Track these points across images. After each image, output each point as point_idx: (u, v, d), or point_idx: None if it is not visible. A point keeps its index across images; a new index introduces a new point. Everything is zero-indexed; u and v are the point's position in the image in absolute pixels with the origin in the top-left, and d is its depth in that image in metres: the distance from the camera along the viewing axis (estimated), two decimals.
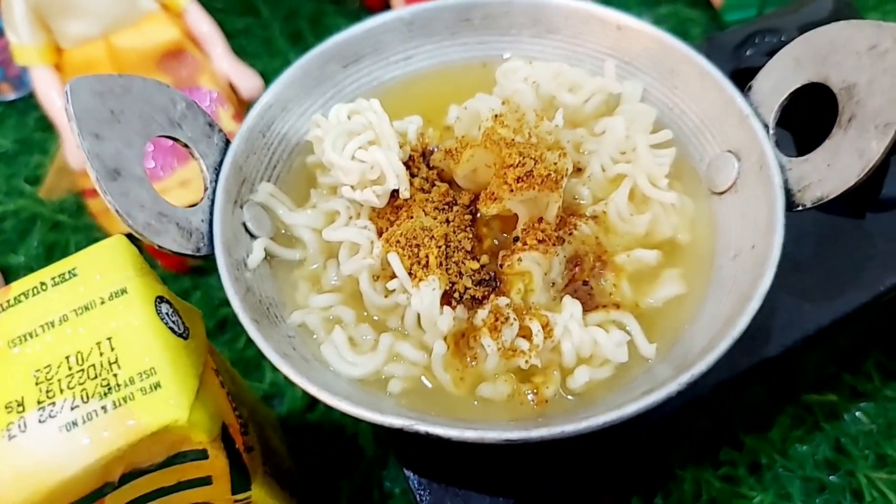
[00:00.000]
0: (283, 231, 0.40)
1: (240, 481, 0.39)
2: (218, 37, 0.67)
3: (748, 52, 0.48)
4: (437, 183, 0.40)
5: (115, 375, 0.32)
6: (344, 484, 0.54)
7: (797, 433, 0.54)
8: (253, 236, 0.38)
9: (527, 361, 0.34)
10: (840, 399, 0.55)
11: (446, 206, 0.39)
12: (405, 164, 0.39)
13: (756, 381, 0.41)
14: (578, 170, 0.40)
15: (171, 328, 0.34)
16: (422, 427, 0.30)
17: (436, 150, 0.41)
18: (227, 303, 0.35)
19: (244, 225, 0.38)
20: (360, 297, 0.37)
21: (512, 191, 0.36)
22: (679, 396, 0.30)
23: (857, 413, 0.54)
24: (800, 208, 0.35)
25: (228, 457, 0.36)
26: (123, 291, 0.34)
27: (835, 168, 0.33)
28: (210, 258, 0.36)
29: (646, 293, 0.37)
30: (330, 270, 0.39)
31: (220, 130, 0.39)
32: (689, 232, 0.39)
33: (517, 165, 0.36)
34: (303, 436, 0.57)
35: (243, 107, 0.71)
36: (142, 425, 0.31)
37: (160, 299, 0.35)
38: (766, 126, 0.37)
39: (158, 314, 0.34)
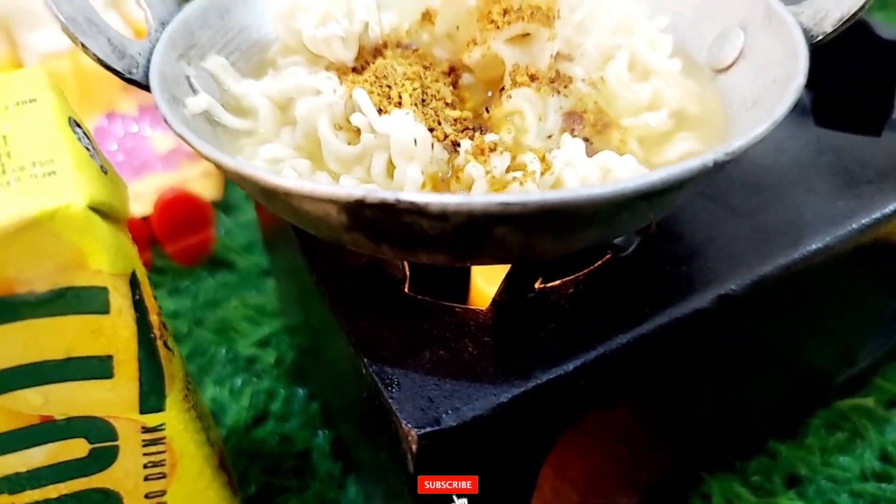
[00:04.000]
0: (233, 103, 0.35)
1: (151, 387, 0.30)
2: None
3: None
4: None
5: (2, 166, 0.25)
6: None
7: (835, 440, 0.46)
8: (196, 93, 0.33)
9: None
10: (877, 404, 0.48)
11: (423, 70, 0.34)
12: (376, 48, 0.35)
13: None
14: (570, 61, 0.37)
15: (86, 148, 0.28)
16: (389, 196, 0.23)
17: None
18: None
19: (187, 79, 0.33)
20: (318, 154, 0.31)
21: (497, 27, 0.32)
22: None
23: None
24: (820, 38, 0.31)
25: (138, 327, 0.28)
26: (32, 101, 0.28)
27: None
28: (142, 86, 0.30)
29: (657, 153, 0.32)
30: (284, 135, 0.33)
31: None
32: (698, 105, 0.34)
33: (504, 3, 0.32)
34: (247, 454, 0.46)
35: None
36: (24, 209, 0.24)
37: (75, 122, 0.29)
38: None
39: (71, 127, 0.28)
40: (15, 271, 0.24)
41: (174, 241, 0.58)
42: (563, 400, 0.30)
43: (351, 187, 0.23)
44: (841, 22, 0.30)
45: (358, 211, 0.24)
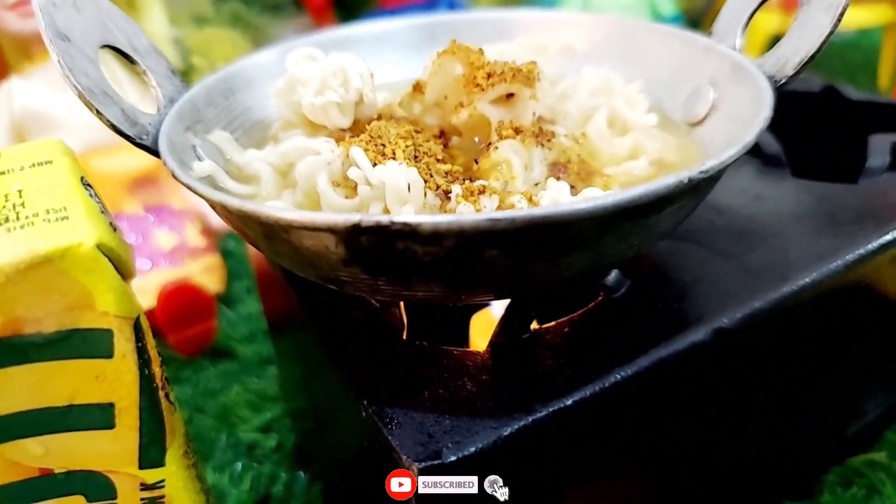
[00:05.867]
0: (236, 171, 0.37)
1: (152, 438, 0.30)
2: None
3: None
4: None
5: (17, 214, 0.27)
6: None
7: (852, 496, 0.45)
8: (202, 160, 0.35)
9: None
10: (891, 459, 0.47)
11: (414, 132, 0.36)
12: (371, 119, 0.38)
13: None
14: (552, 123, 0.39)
15: (97, 204, 0.29)
16: (384, 219, 0.24)
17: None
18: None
19: (193, 148, 0.35)
20: (318, 210, 0.33)
21: (483, 89, 0.34)
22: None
23: None
24: (784, 81, 0.33)
25: (140, 373, 0.28)
26: (48, 162, 0.30)
27: (807, 34, 0.33)
28: (151, 151, 0.32)
29: None
30: (285, 197, 0.34)
31: (182, 79, 0.38)
32: (678, 154, 0.36)
33: (488, 68, 0.35)
34: None
35: (213, 237, 0.70)
36: (36, 247, 0.25)
37: (87, 183, 0.31)
38: (731, 48, 0.37)
39: (83, 185, 0.30)
40: (24, 310, 0.25)
41: (177, 332, 0.58)
42: (563, 437, 0.29)
43: (347, 214, 0.24)
44: (801, 65, 0.33)
45: (354, 239, 0.25)
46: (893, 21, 0.97)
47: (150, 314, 0.59)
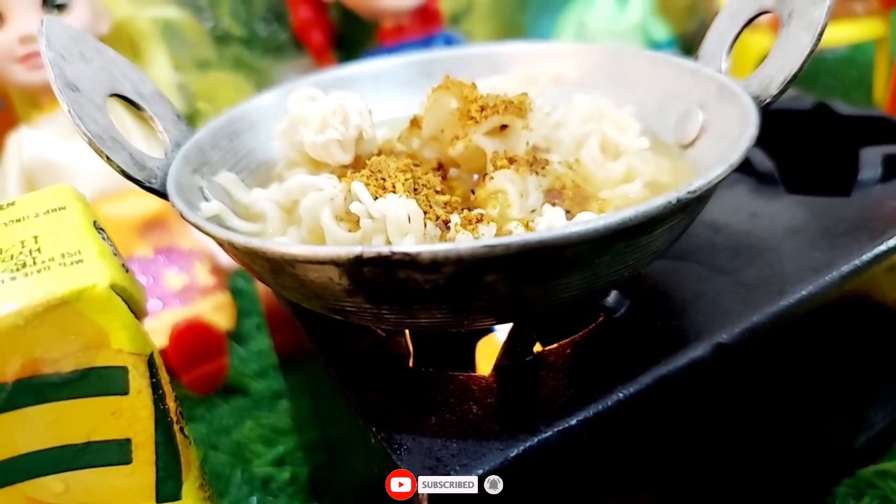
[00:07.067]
0: (243, 211, 0.38)
1: (168, 472, 0.30)
2: None
3: None
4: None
5: (33, 259, 0.28)
6: None
7: None
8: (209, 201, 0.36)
9: None
10: None
11: (414, 166, 0.37)
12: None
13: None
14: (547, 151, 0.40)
15: (110, 247, 0.31)
16: (385, 249, 0.25)
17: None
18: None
19: (200, 189, 0.36)
20: (322, 243, 0.34)
21: (477, 122, 0.35)
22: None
23: None
24: (769, 100, 0.34)
25: (155, 408, 0.29)
26: (61, 209, 0.31)
27: (789, 53, 0.34)
28: (160, 193, 0.33)
29: None
30: (290, 233, 0.35)
31: (188, 124, 0.40)
32: (671, 175, 0.37)
33: (481, 101, 0.36)
34: None
35: (222, 275, 0.71)
36: (52, 290, 0.26)
37: (99, 227, 0.32)
38: (718, 70, 0.38)
39: (96, 229, 0.31)
40: (43, 351, 0.26)
41: (189, 370, 0.59)
42: (569, 456, 0.30)
43: (349, 246, 0.25)
44: (784, 83, 0.34)
45: (357, 270, 0.26)
46: (884, 35, 0.98)
47: (162, 354, 0.60)
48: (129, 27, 0.76)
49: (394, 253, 0.25)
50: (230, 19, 0.82)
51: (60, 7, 0.66)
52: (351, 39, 0.87)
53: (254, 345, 0.66)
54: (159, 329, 0.62)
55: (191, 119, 0.78)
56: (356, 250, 0.25)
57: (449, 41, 0.85)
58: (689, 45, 1.06)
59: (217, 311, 0.66)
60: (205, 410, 0.59)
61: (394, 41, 0.84)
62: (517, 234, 0.26)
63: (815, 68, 1.13)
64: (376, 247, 0.25)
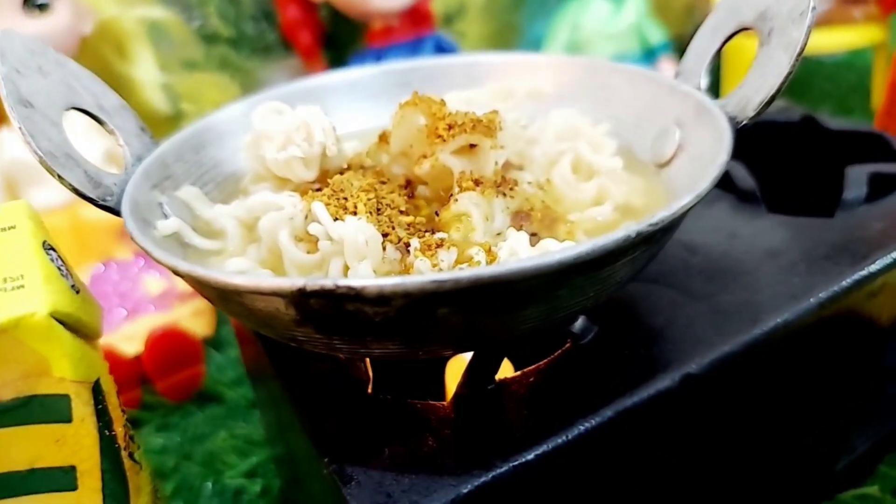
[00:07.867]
0: (204, 227, 0.37)
1: (115, 499, 0.30)
2: None
3: None
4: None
5: None
6: None
7: None
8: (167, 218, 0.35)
9: None
10: (883, 492, 0.46)
11: (379, 183, 0.36)
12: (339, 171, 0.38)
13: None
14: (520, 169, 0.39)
15: (58, 268, 0.30)
16: (328, 283, 0.24)
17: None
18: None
19: (160, 206, 0.35)
20: (281, 266, 0.33)
21: (444, 140, 0.34)
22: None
23: None
24: (745, 121, 0.33)
25: (101, 436, 0.28)
26: (11, 228, 0.30)
27: (767, 73, 0.33)
28: (115, 212, 0.32)
29: None
30: (250, 252, 0.35)
31: (152, 136, 0.39)
32: (644, 197, 0.36)
33: (449, 119, 0.35)
34: None
35: None
36: None
37: (49, 246, 0.31)
38: (696, 88, 0.37)
39: (44, 250, 0.30)
40: None
41: (164, 378, 0.58)
42: (525, 492, 0.29)
43: (292, 278, 0.25)
44: (761, 105, 0.33)
45: (303, 302, 0.25)
46: (882, 41, 0.97)
47: (138, 361, 0.60)
48: (115, 27, 0.75)
49: (338, 286, 0.24)
50: (218, 19, 0.80)
51: (42, 7, 0.65)
52: (340, 40, 0.86)
53: (232, 352, 0.65)
54: (137, 335, 0.62)
55: (175, 121, 0.77)
56: (299, 283, 0.24)
57: (438, 43, 0.84)
58: (684, 47, 1.04)
59: (195, 317, 0.65)
60: (179, 418, 0.58)
61: (383, 42, 0.83)
62: (467, 270, 0.25)
63: (813, 73, 1.12)
64: (319, 279, 0.24)
